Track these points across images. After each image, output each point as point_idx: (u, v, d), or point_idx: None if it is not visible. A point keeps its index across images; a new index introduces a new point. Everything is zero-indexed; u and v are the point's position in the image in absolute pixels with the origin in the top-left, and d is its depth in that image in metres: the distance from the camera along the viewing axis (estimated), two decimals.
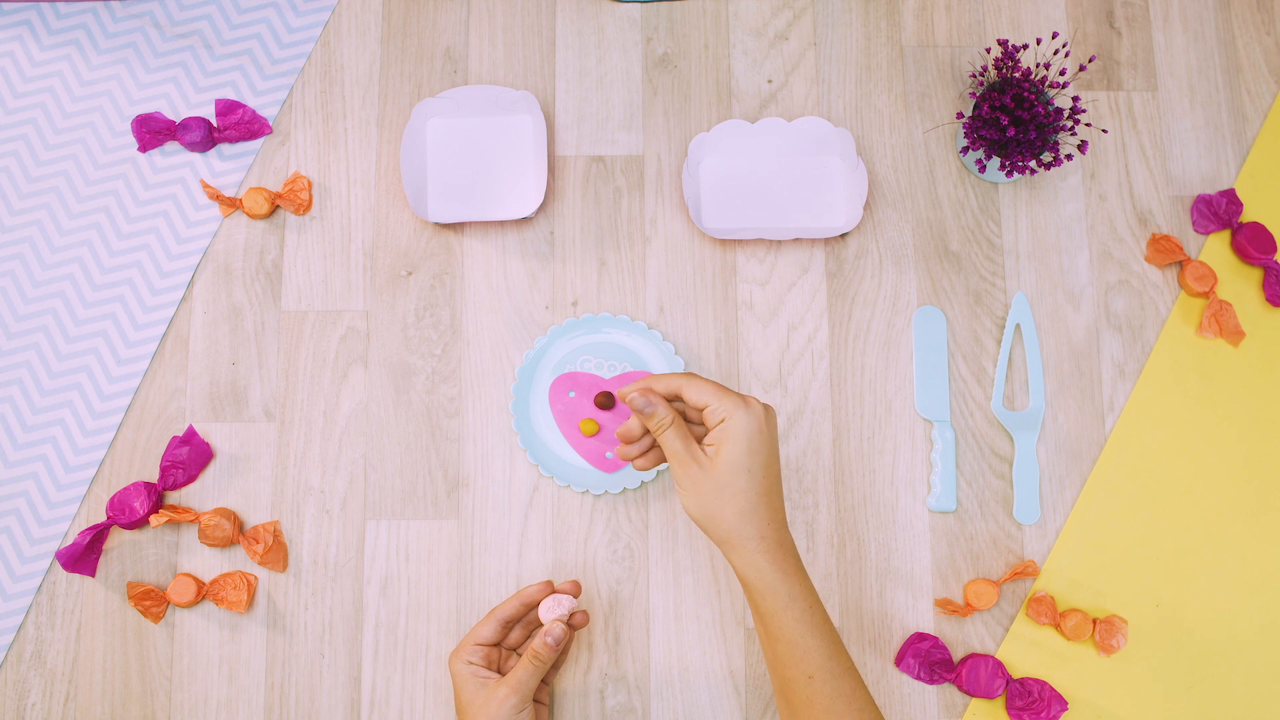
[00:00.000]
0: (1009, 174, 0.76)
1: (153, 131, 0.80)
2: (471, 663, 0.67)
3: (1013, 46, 0.76)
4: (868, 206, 0.81)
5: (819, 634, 0.61)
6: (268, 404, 0.78)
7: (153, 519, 0.73)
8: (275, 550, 0.75)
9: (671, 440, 0.62)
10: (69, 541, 0.76)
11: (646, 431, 0.65)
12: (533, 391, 0.78)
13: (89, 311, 0.79)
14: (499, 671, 0.68)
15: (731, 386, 0.78)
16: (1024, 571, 0.75)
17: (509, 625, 0.69)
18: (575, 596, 0.69)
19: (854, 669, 0.62)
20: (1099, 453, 0.78)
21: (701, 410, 0.63)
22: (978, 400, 0.79)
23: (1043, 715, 0.73)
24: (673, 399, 0.64)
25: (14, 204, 0.80)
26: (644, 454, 0.66)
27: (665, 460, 0.65)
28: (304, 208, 0.80)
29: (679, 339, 0.79)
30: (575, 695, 0.74)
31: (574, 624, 0.69)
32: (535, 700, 0.69)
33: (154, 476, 0.77)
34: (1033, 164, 0.79)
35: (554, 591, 0.69)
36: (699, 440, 0.63)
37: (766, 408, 0.63)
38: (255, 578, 0.75)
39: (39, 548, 0.76)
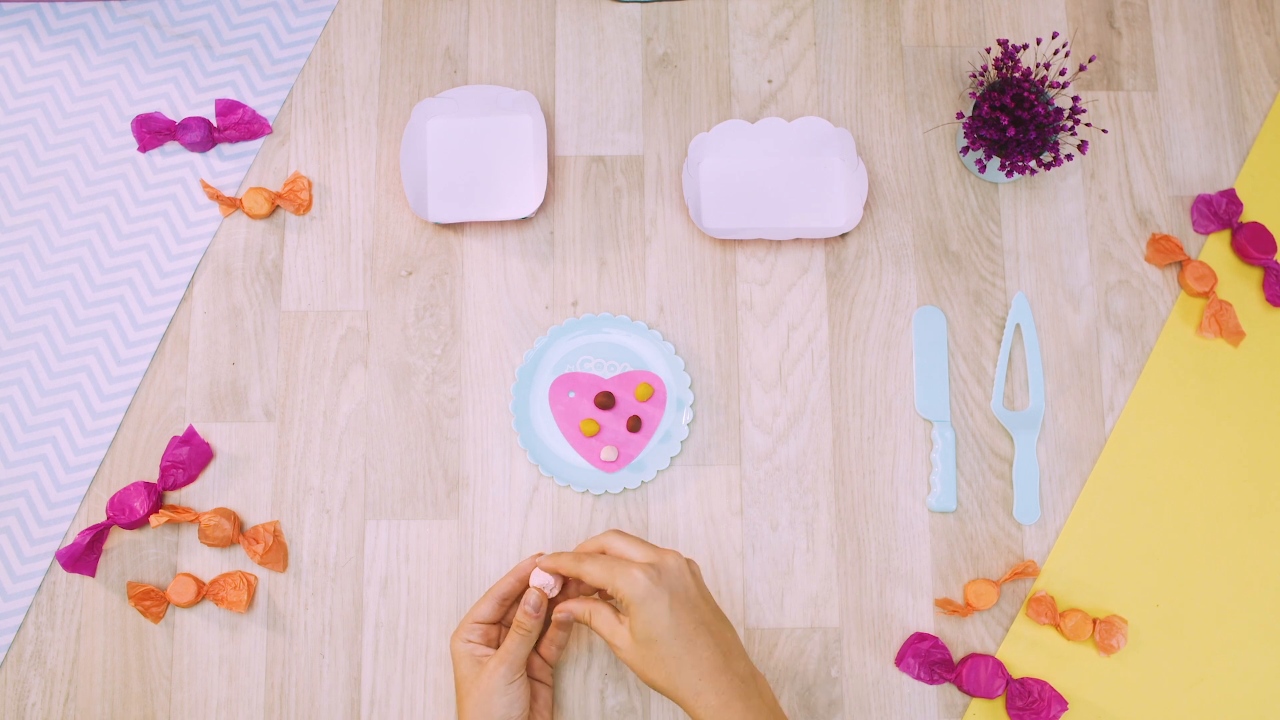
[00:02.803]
0: (1009, 174, 0.76)
1: (153, 131, 0.80)
2: (470, 640, 0.68)
3: (1013, 46, 0.76)
4: (868, 206, 0.81)
5: None
6: (268, 404, 0.78)
7: (153, 519, 0.73)
8: (275, 550, 0.75)
9: (599, 624, 0.66)
10: (69, 541, 0.76)
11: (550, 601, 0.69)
12: (533, 391, 0.78)
13: (89, 311, 0.79)
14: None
15: (732, 387, 0.78)
16: (1024, 571, 0.75)
17: (507, 602, 0.70)
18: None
19: None
20: (1099, 453, 0.78)
21: (608, 593, 0.66)
22: (978, 400, 0.79)
23: (1043, 715, 0.73)
24: (576, 577, 0.67)
25: (14, 204, 0.80)
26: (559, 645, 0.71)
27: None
28: (304, 208, 0.80)
29: (679, 339, 0.79)
30: (575, 695, 0.74)
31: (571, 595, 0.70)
32: (535, 679, 0.70)
33: (154, 476, 0.77)
34: (1033, 164, 0.79)
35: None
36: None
37: (657, 564, 0.64)
38: (255, 578, 0.75)
39: (39, 548, 0.76)
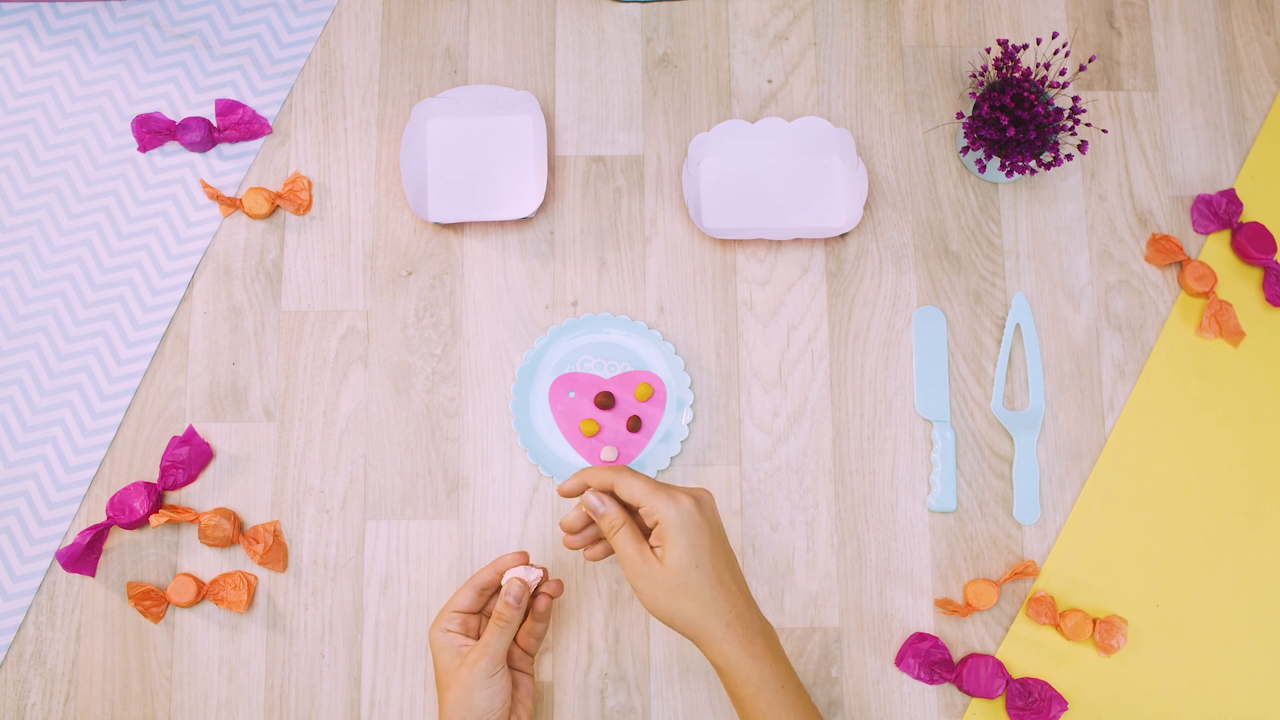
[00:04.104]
0: (1009, 174, 0.76)
1: (153, 131, 0.80)
2: (449, 630, 0.67)
3: (1013, 46, 0.76)
4: (868, 206, 0.81)
5: (793, 713, 0.62)
6: (268, 404, 0.78)
7: (153, 519, 0.73)
8: (275, 550, 0.75)
9: (623, 543, 0.63)
10: (69, 541, 0.76)
11: (590, 522, 0.66)
12: (533, 391, 0.78)
13: (89, 311, 0.79)
14: (478, 639, 0.68)
15: (732, 387, 0.79)
16: (1024, 571, 0.75)
17: (486, 592, 0.69)
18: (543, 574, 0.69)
19: None
20: (1099, 453, 0.78)
21: (636, 509, 0.64)
22: (978, 400, 0.79)
23: (1043, 715, 0.73)
24: (605, 492, 0.64)
25: (14, 204, 0.80)
26: (588, 545, 0.67)
27: (606, 554, 0.67)
28: (304, 208, 0.80)
29: (679, 339, 0.79)
30: (575, 695, 0.74)
31: (549, 592, 0.69)
32: (517, 669, 0.69)
33: (154, 476, 0.77)
34: (1033, 164, 0.79)
35: (527, 562, 0.69)
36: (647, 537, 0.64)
37: (698, 497, 0.63)
38: (255, 578, 0.76)
39: (39, 548, 0.76)
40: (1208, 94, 0.84)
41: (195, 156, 0.81)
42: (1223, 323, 0.79)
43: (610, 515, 0.64)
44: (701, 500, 0.63)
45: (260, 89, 0.82)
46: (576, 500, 0.72)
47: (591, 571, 0.76)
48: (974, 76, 0.77)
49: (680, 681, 0.75)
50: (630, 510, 0.65)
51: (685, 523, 0.61)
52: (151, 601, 0.74)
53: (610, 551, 0.67)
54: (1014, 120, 0.74)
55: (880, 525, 0.77)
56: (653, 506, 0.62)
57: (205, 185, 0.80)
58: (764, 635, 0.63)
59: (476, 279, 0.80)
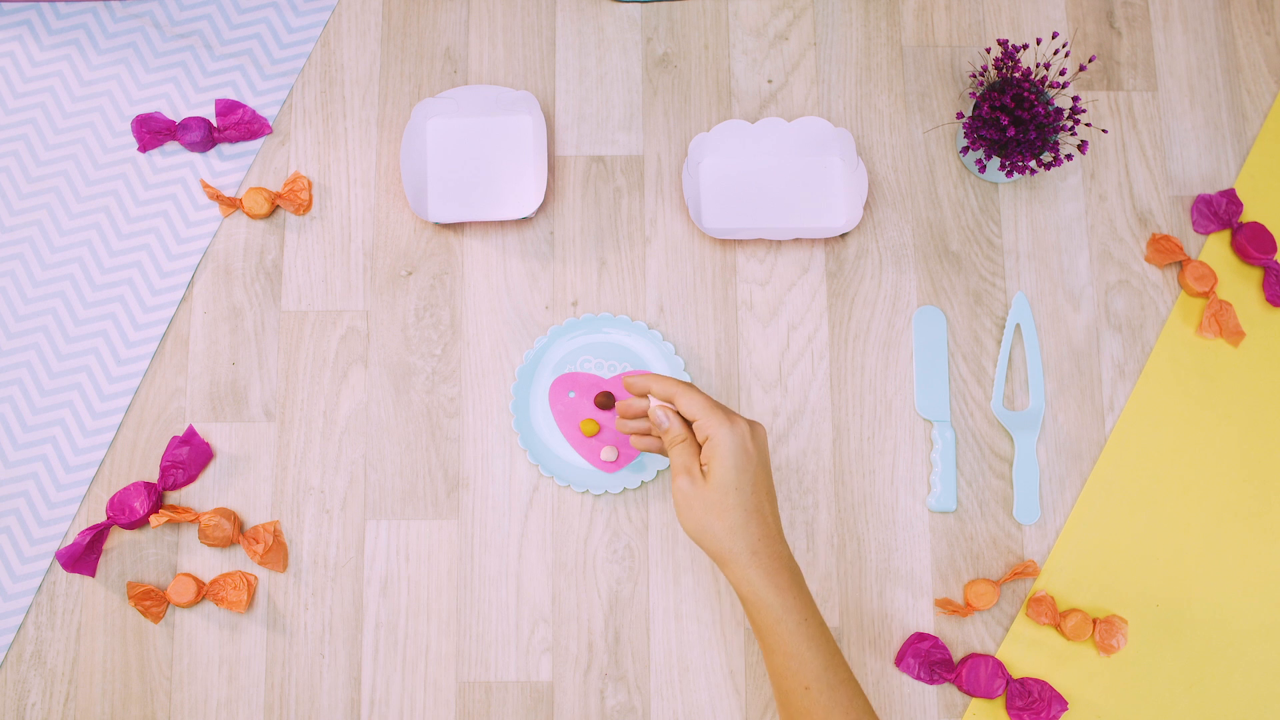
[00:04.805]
0: (1009, 174, 0.76)
1: (153, 131, 0.80)
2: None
3: (1013, 46, 0.76)
4: (868, 206, 0.81)
5: (814, 646, 0.62)
6: (268, 404, 0.78)
7: (153, 519, 0.73)
8: (275, 550, 0.75)
9: (677, 456, 0.65)
10: (69, 541, 0.76)
11: (642, 414, 0.68)
12: (533, 391, 0.78)
13: (89, 311, 0.79)
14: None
15: (732, 387, 0.78)
16: (1024, 571, 0.75)
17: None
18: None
19: (851, 680, 0.63)
20: (1099, 453, 0.78)
21: (692, 424, 0.65)
22: (978, 400, 0.79)
23: (1043, 715, 0.73)
24: (667, 402, 0.66)
25: (14, 204, 0.80)
26: (638, 434, 0.69)
27: (653, 449, 0.69)
28: (304, 208, 0.80)
29: (679, 339, 0.79)
30: (575, 695, 0.74)
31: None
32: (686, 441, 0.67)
33: (154, 476, 0.77)
34: (1033, 164, 0.79)
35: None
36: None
37: (754, 425, 0.65)
38: (255, 578, 0.75)
39: (39, 548, 0.76)
40: (1208, 94, 0.84)
41: (195, 156, 0.81)
42: (1223, 323, 0.79)
43: (674, 430, 0.65)
44: (756, 429, 0.65)
45: (260, 89, 0.82)
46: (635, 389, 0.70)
47: (591, 571, 0.76)
48: (974, 76, 0.77)
49: (680, 681, 0.75)
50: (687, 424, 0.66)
51: (735, 445, 0.63)
52: (151, 601, 0.74)
53: (653, 446, 0.69)
54: (1014, 120, 0.74)
55: (880, 525, 0.77)
56: (708, 423, 0.63)
57: (205, 185, 0.80)
58: (790, 570, 0.63)
59: (476, 279, 0.80)
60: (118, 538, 0.76)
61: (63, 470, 0.77)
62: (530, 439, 0.77)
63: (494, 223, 0.81)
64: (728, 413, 0.64)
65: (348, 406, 0.78)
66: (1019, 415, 0.78)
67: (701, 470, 0.64)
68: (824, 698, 0.62)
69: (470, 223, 0.81)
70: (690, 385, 0.65)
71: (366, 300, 0.80)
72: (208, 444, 0.77)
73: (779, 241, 0.81)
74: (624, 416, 0.69)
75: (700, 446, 0.65)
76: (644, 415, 0.68)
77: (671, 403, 0.65)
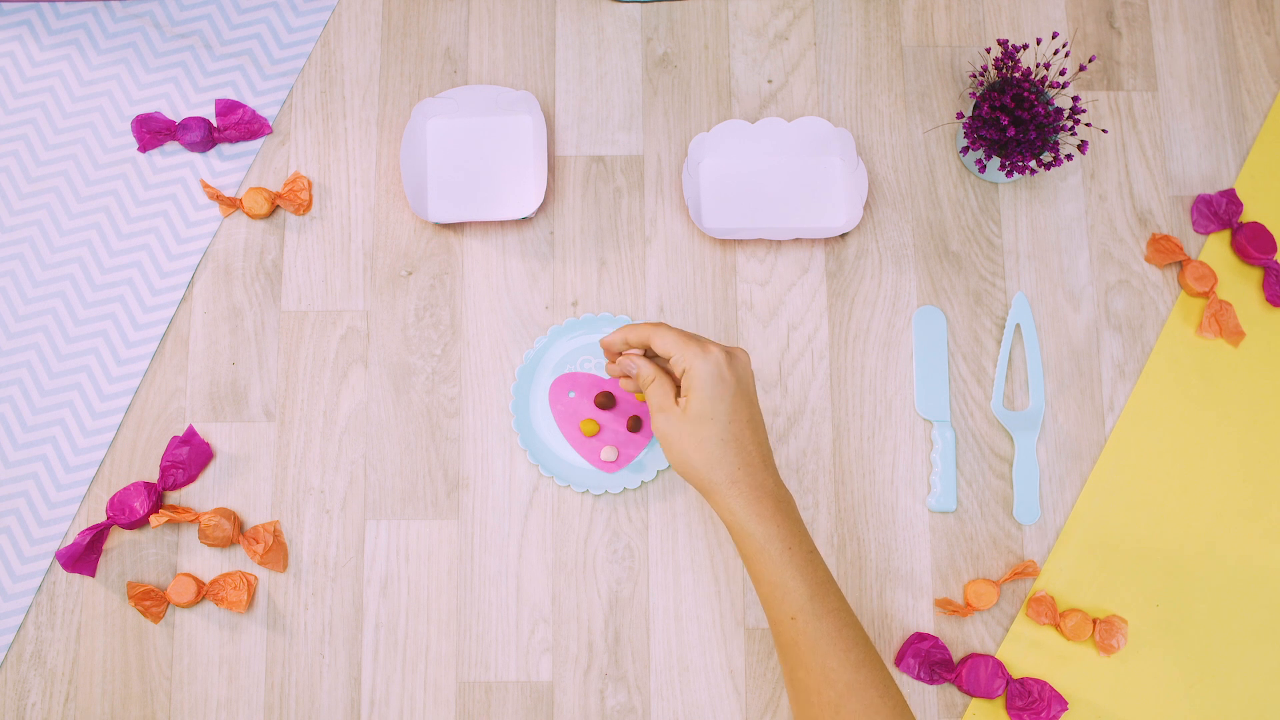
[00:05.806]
0: (1009, 174, 0.76)
1: (153, 131, 0.80)
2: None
3: (1013, 46, 0.76)
4: (868, 206, 0.81)
5: (800, 575, 0.61)
6: (268, 404, 0.78)
7: (153, 519, 0.73)
8: (275, 550, 0.75)
9: (653, 394, 0.65)
10: (69, 541, 0.76)
11: (628, 345, 0.67)
12: (533, 391, 0.78)
13: (89, 311, 0.79)
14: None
15: None
16: (1024, 571, 0.75)
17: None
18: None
19: (840, 608, 0.62)
20: (1099, 453, 0.78)
21: (668, 361, 0.65)
22: (978, 400, 0.79)
23: (1043, 715, 0.73)
24: (644, 348, 0.66)
25: (14, 204, 0.80)
26: (622, 374, 0.68)
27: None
28: (304, 208, 0.80)
29: None
30: (575, 695, 0.74)
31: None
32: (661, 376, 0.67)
33: (154, 476, 0.77)
34: (1033, 164, 0.79)
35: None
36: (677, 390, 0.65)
37: (731, 352, 0.64)
38: (255, 578, 0.76)
39: (39, 548, 0.76)
40: (1208, 94, 0.84)
41: (195, 156, 0.81)
42: (1223, 323, 0.79)
43: (643, 373, 0.65)
44: (734, 355, 0.64)
45: (260, 89, 0.82)
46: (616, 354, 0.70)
47: (591, 571, 0.76)
48: (974, 76, 0.77)
49: (680, 681, 0.75)
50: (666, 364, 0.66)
51: (710, 374, 0.62)
52: (151, 601, 0.74)
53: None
54: (1014, 120, 0.74)
55: (880, 525, 0.77)
56: (682, 357, 0.63)
57: (205, 185, 0.80)
58: (775, 497, 0.62)
59: (476, 279, 0.80)
60: (118, 538, 0.76)
61: (63, 470, 0.77)
62: (530, 439, 0.77)
63: (494, 223, 0.81)
64: (701, 342, 0.63)
65: (348, 406, 0.78)
66: (1019, 415, 0.78)
67: (679, 402, 0.63)
68: (809, 627, 0.61)
69: (470, 223, 0.81)
70: (662, 324, 0.65)
71: (366, 300, 0.80)
72: (208, 444, 0.77)
73: (779, 241, 0.81)
74: (614, 376, 0.69)
75: (679, 383, 0.65)
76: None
77: (649, 345, 0.65)
